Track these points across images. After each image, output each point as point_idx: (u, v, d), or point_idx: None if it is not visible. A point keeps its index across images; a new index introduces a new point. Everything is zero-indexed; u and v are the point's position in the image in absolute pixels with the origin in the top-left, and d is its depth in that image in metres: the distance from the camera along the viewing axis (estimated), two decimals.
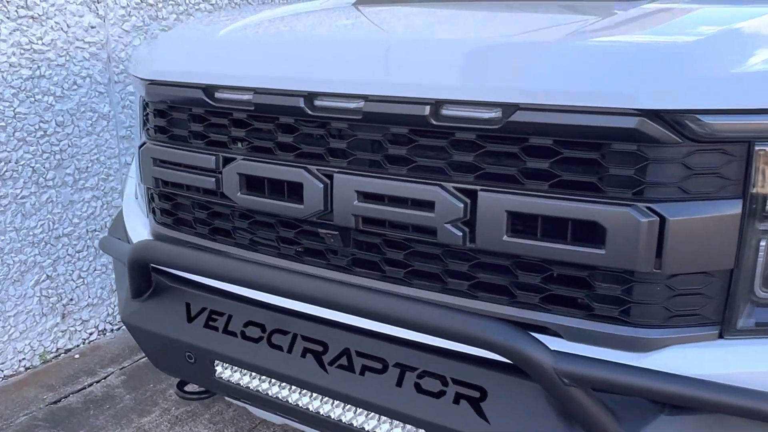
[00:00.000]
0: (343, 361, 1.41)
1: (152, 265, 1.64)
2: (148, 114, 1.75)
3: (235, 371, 1.55)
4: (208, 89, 1.55)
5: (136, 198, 2.06)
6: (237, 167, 1.52)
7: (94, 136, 2.92)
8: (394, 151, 1.35)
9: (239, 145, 1.55)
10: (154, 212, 1.80)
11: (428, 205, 1.30)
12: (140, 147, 1.73)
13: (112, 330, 3.14)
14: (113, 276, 3.09)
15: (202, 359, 1.58)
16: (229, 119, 1.55)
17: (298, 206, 1.44)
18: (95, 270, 3.03)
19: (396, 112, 1.30)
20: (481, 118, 1.24)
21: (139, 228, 1.89)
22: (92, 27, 2.82)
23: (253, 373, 1.52)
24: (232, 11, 2.09)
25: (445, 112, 1.27)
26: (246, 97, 1.49)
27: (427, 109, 1.27)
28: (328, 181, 1.41)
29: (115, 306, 3.13)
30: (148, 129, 1.75)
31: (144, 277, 1.65)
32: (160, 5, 3.07)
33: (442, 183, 1.29)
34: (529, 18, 1.53)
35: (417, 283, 1.38)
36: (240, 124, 1.54)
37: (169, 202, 1.73)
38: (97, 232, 3.00)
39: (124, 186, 2.21)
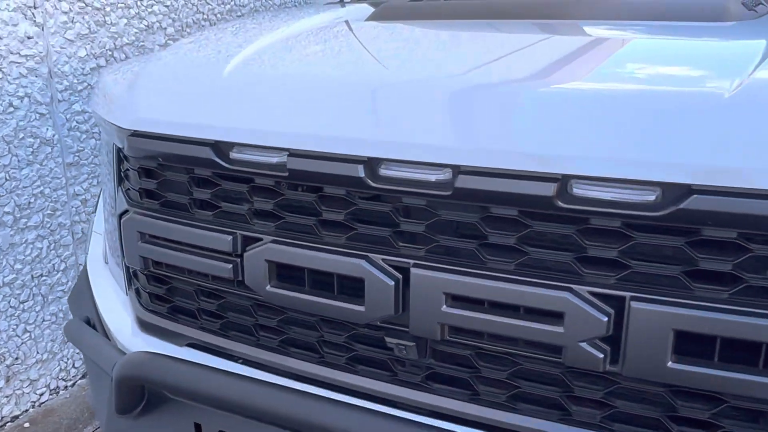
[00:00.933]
0: None
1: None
2: (128, 171, 1.31)
3: None
4: (219, 147, 1.13)
5: (107, 263, 1.61)
6: (264, 252, 1.10)
7: (37, 165, 2.42)
8: (498, 239, 0.97)
9: (265, 221, 1.13)
10: (138, 293, 1.36)
11: (554, 316, 0.93)
12: (120, 216, 1.29)
13: (66, 387, 2.66)
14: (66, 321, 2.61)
15: None
16: (251, 186, 1.14)
17: (355, 308, 1.05)
18: (43, 321, 2.54)
19: (503, 189, 0.93)
20: (630, 202, 0.87)
21: (116, 309, 1.45)
22: (29, 37, 2.31)
23: None
24: (209, 31, 1.64)
25: (577, 191, 0.90)
26: (275, 159, 1.08)
27: (551, 188, 0.90)
28: (400, 276, 1.02)
29: (68, 359, 2.65)
30: (128, 191, 1.31)
31: (135, 392, 1.23)
32: (107, 9, 2.57)
33: (573, 286, 0.92)
34: (676, 48, 1.13)
35: (524, 409, 1.01)
36: (266, 193, 1.13)
37: (162, 286, 1.30)
38: (44, 277, 2.50)
39: (88, 243, 1.75)
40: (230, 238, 1.13)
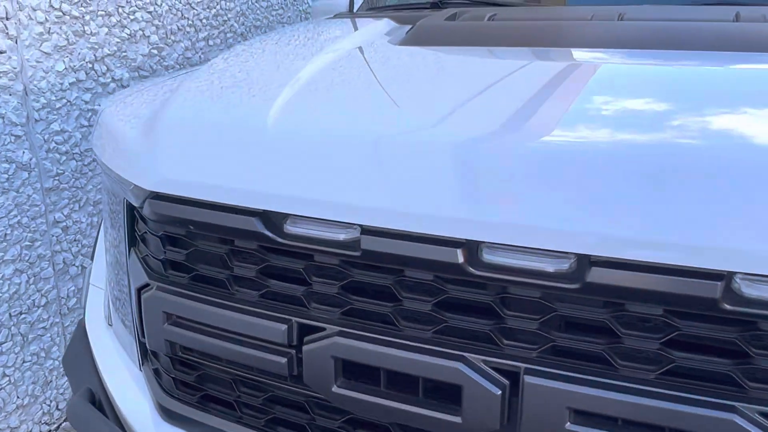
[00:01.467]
0: None
1: None
2: (146, 235, 1.07)
3: None
4: (269, 217, 0.91)
5: (110, 324, 1.37)
6: (331, 347, 0.89)
7: (13, 193, 2.15)
8: (635, 342, 0.77)
9: (328, 306, 0.92)
10: (158, 374, 1.14)
11: None
12: (140, 291, 1.06)
13: (49, 431, 2.40)
14: (47, 365, 2.35)
15: None
16: (308, 264, 0.92)
17: (450, 419, 0.84)
18: (23, 362, 2.27)
19: (649, 287, 0.73)
20: None
21: (129, 387, 1.21)
22: (1, 52, 2.03)
23: None
24: (222, 61, 1.39)
25: (747, 291, 0.71)
26: (343, 236, 0.87)
27: (715, 288, 0.71)
28: (508, 383, 0.82)
29: (51, 401, 2.39)
30: (146, 258, 1.08)
31: None
32: (87, 18, 2.29)
33: (738, 405, 0.73)
34: None
35: None
36: (329, 273, 0.91)
37: (191, 372, 1.08)
38: (23, 315, 2.24)
39: (84, 297, 1.50)
40: (284, 327, 0.92)
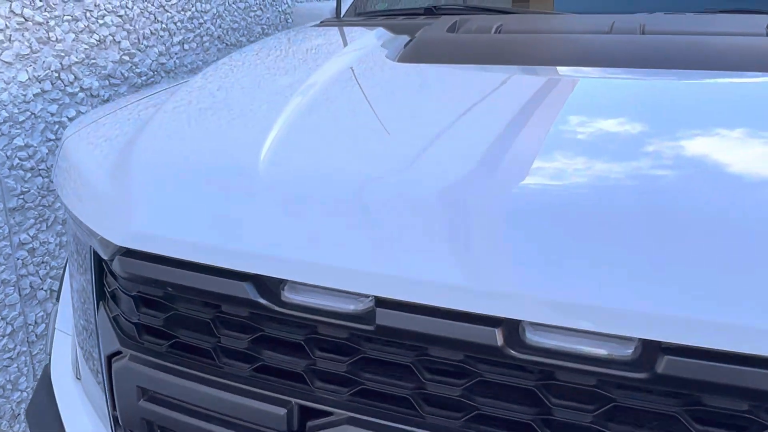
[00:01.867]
0: None
1: None
2: (116, 292, 0.91)
3: None
4: (264, 282, 0.75)
5: (78, 378, 1.21)
6: None
7: None
8: None
9: (335, 386, 0.77)
10: None
11: None
12: (111, 358, 0.90)
13: None
14: (14, 397, 2.17)
15: None
16: (309, 337, 0.77)
17: None
18: None
19: (729, 382, 0.59)
20: None
21: None
22: None
23: None
24: (198, 82, 1.22)
25: None
26: (353, 306, 0.72)
27: None
28: None
29: None
30: (117, 319, 0.91)
31: None
32: (51, 23, 2.10)
33: None
34: None
35: None
36: (335, 347, 0.76)
37: None
38: None
39: (49, 343, 1.33)
40: (283, 411, 0.76)
